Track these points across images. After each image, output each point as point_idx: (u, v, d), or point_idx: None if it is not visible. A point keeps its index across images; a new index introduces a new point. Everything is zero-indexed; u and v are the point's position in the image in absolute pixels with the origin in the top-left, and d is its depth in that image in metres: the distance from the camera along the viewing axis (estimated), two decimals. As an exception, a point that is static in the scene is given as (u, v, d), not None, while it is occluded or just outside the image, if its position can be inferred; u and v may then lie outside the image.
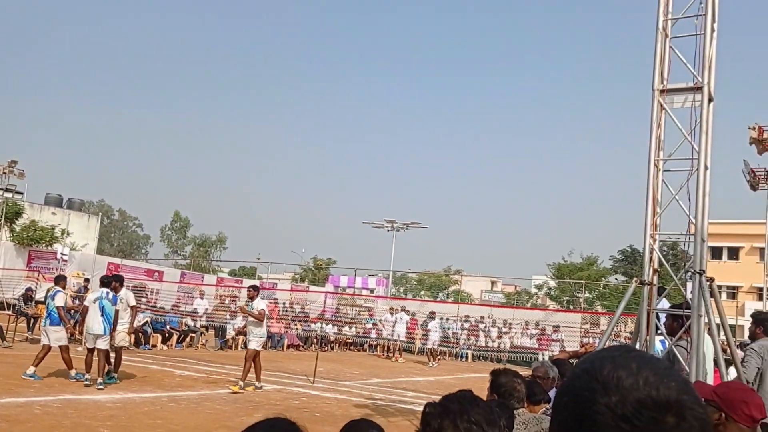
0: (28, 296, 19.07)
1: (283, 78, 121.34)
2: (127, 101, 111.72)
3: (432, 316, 23.26)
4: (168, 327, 20.13)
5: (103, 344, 10.99)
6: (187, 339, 20.52)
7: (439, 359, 22.31)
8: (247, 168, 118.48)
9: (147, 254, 73.24)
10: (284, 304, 27.07)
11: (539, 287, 50.85)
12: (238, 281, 39.37)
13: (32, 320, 17.76)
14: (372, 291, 40.13)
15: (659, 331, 6.00)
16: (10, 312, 18.87)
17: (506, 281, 64.69)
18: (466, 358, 25.11)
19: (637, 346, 5.87)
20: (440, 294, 50.06)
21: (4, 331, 15.81)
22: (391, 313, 23.18)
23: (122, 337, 12.18)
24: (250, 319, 12.40)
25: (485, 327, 25.37)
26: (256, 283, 13.25)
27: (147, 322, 19.31)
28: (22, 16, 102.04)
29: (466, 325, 24.98)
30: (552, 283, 49.31)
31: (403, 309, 23.85)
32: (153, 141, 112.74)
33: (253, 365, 12.07)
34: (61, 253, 26.10)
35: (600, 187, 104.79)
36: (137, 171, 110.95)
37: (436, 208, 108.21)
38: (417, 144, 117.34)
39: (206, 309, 21.59)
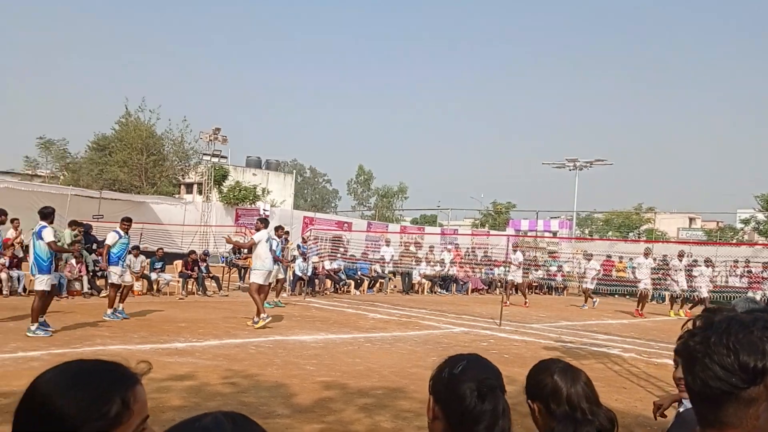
0: (236, 249, 21.02)
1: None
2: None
3: (588, 256, 21.96)
4: (359, 273, 21.42)
5: (38, 285, 9.65)
6: (377, 285, 21.67)
7: (592, 299, 21.06)
8: (421, 118, 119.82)
9: (336, 207, 77.95)
10: (467, 249, 27.33)
11: (746, 222, 46.21)
12: (420, 229, 40.52)
13: (242, 270, 19.59)
14: (555, 234, 39.08)
15: None
16: (223, 264, 21.12)
17: (706, 217, 59.70)
18: (664, 300, 23.73)
19: None
20: (631, 234, 47.26)
21: (221, 281, 17.77)
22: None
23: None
24: (254, 252, 12.12)
25: (684, 266, 23.55)
26: (269, 219, 12.93)
27: (341, 269, 20.74)
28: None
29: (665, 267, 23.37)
30: (761, 216, 44.48)
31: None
32: (330, 101, 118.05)
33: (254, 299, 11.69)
34: (264, 210, 28.61)
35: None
36: (323, 130, 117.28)
37: (622, 143, 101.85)
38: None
39: (392, 256, 22.47)
